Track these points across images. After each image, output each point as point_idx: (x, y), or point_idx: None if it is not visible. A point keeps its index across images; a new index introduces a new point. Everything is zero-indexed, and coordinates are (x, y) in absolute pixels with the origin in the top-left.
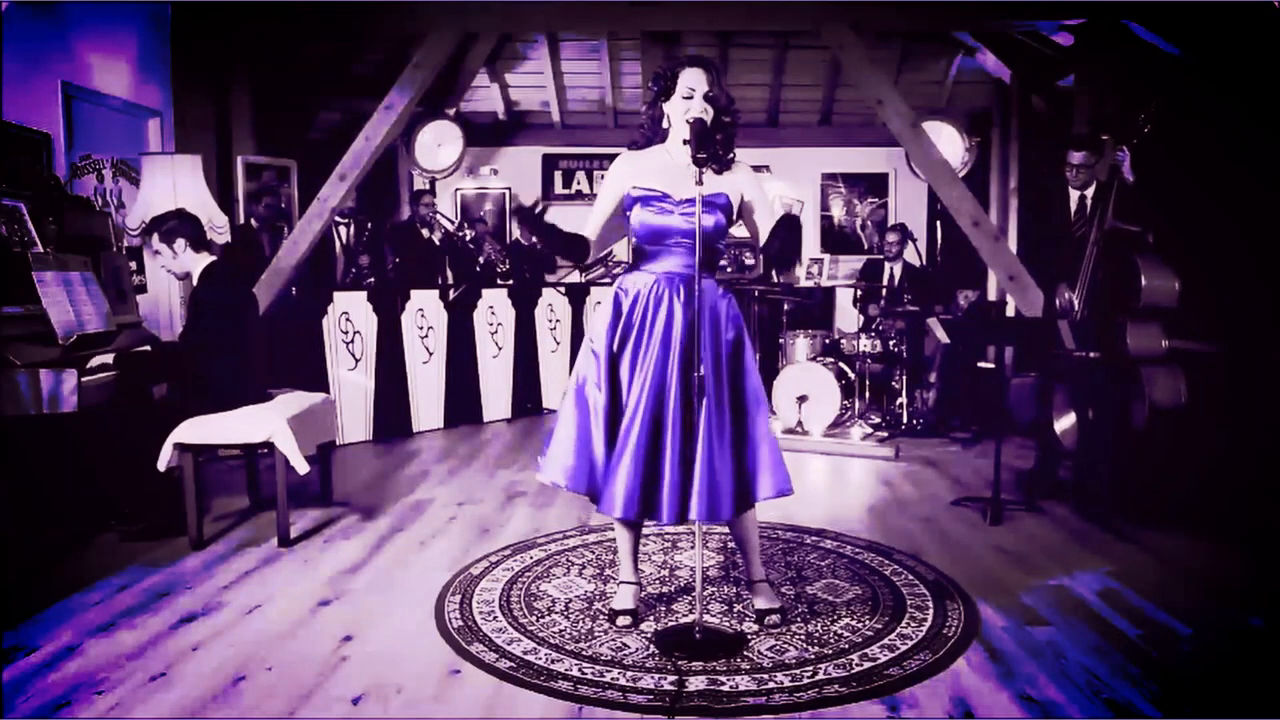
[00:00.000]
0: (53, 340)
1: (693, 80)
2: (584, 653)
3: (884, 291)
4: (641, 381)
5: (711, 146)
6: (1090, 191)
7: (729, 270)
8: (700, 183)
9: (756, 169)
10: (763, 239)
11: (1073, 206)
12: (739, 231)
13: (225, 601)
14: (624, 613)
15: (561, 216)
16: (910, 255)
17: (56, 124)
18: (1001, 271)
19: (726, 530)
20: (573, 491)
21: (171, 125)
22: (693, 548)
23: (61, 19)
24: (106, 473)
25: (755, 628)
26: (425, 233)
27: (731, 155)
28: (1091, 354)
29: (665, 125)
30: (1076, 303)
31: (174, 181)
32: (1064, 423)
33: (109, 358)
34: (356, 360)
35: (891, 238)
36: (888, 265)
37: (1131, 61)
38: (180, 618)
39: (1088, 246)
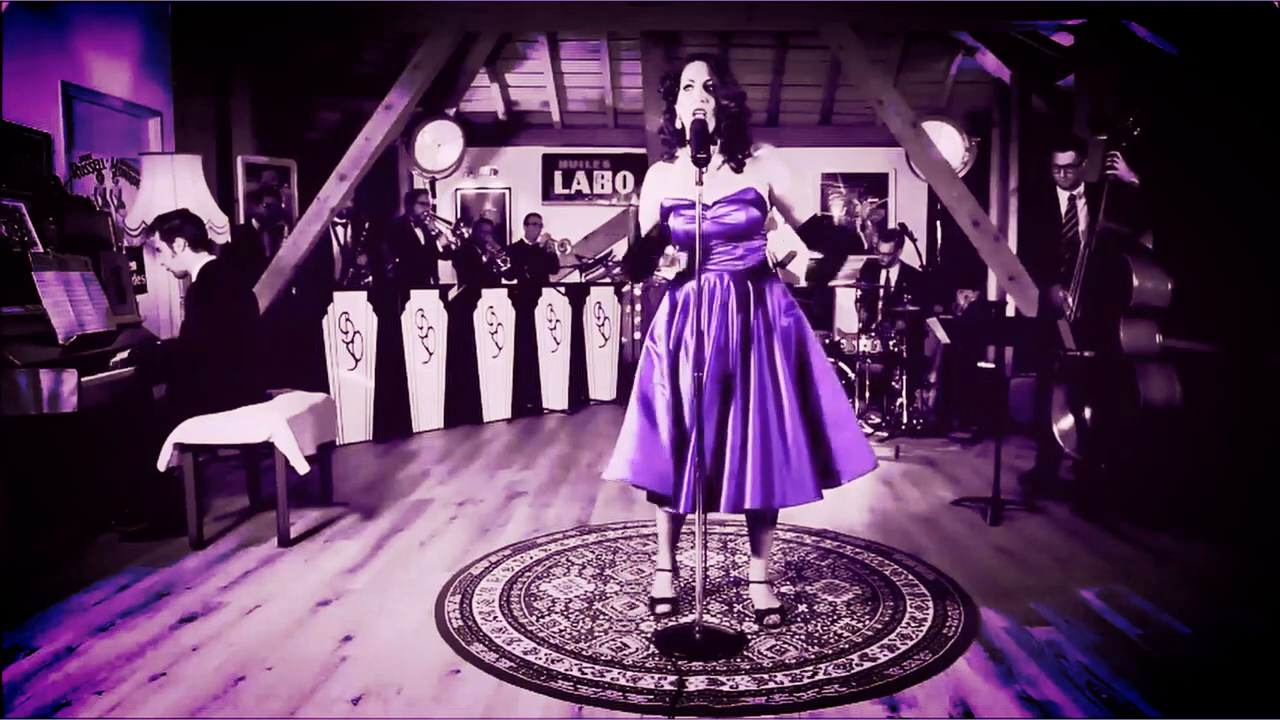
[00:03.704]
0: (53, 340)
1: (692, 73)
2: (584, 653)
3: (880, 293)
4: (701, 378)
5: (713, 143)
6: (1079, 192)
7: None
8: (700, 182)
9: None
10: (798, 224)
11: (1063, 208)
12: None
13: (225, 601)
14: (663, 600)
15: (562, 216)
16: (910, 256)
17: (56, 124)
18: (1001, 271)
19: (726, 530)
20: (636, 486)
21: (171, 125)
22: (693, 548)
23: (61, 19)
24: (106, 473)
25: (755, 628)
26: (419, 233)
27: (746, 151)
28: (1087, 353)
29: (679, 126)
30: (1071, 302)
31: (174, 181)
32: (1063, 424)
33: (124, 354)
34: (356, 360)
35: (885, 247)
36: (884, 268)
37: (1131, 61)
38: (180, 618)
39: (1079, 247)
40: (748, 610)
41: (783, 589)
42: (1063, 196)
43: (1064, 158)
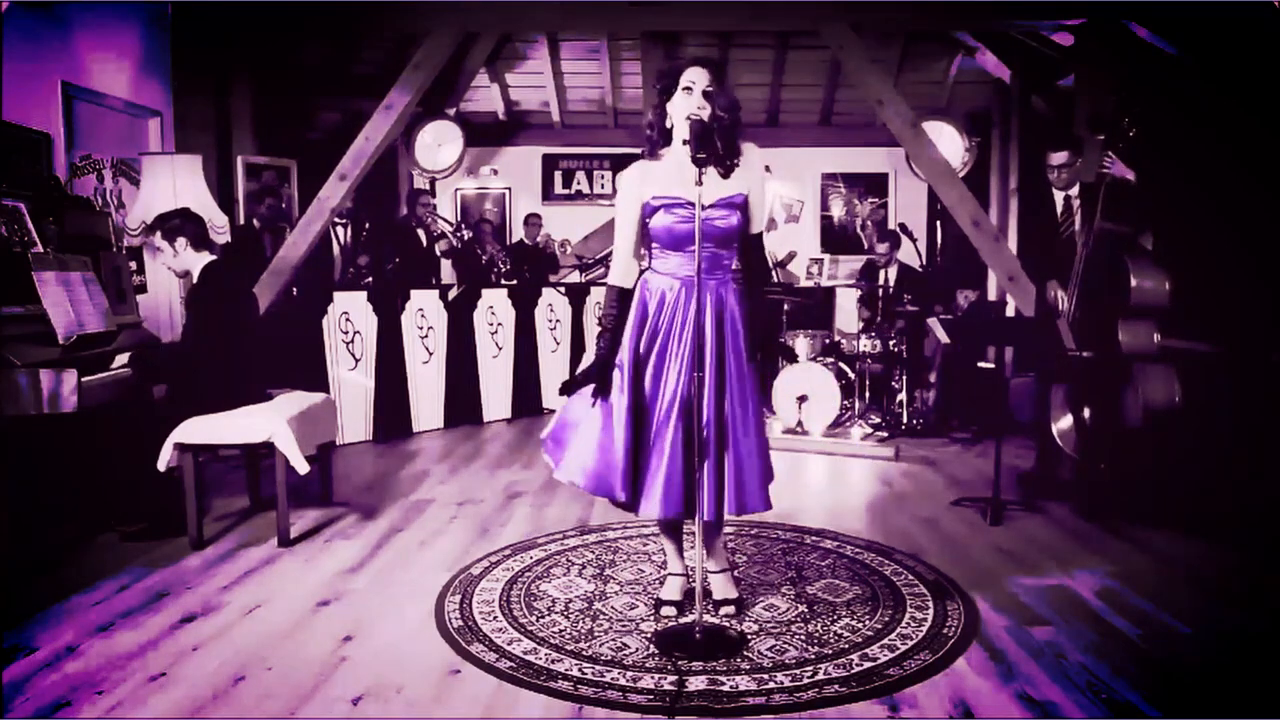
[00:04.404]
0: (53, 340)
1: (693, 76)
2: (584, 653)
3: (879, 293)
4: (674, 385)
5: (711, 146)
6: (1074, 192)
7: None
8: (700, 183)
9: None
10: (755, 227)
11: (1058, 208)
12: None
13: (225, 601)
14: (668, 603)
15: (562, 216)
16: (909, 256)
17: (56, 124)
18: (1001, 271)
19: (725, 531)
20: (590, 493)
21: (171, 125)
22: (693, 548)
23: (61, 19)
24: (106, 473)
25: (755, 627)
26: (421, 233)
27: (735, 159)
28: (1085, 354)
29: (669, 125)
30: (1066, 303)
31: (174, 181)
32: (1062, 424)
33: (124, 356)
34: (356, 360)
35: (881, 248)
36: (881, 268)
37: (1131, 61)
38: (180, 618)
39: (1076, 247)
40: (748, 611)
41: (783, 589)
42: (1058, 197)
43: (1057, 158)
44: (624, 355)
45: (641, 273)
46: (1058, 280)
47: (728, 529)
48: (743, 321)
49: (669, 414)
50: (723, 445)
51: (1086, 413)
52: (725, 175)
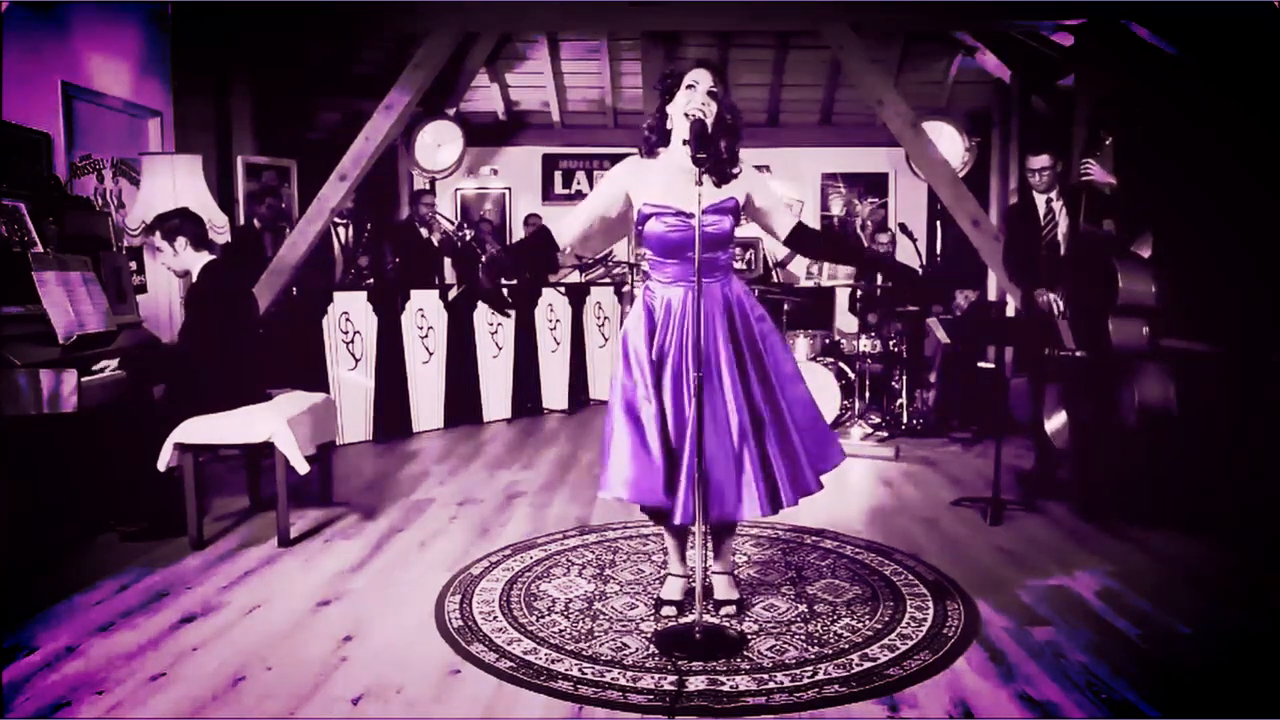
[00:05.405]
0: (53, 340)
1: (697, 76)
2: (584, 653)
3: (877, 292)
4: (687, 391)
5: (712, 148)
6: (1054, 195)
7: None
8: (700, 183)
9: (757, 169)
10: (781, 236)
11: (1041, 211)
12: (744, 231)
13: (225, 601)
14: (668, 603)
15: (562, 217)
16: (909, 257)
17: (56, 124)
18: (1001, 272)
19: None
20: (636, 503)
21: (171, 125)
22: (693, 548)
23: (61, 19)
24: (106, 473)
25: (755, 627)
26: (424, 232)
27: (735, 169)
28: (1078, 353)
29: (669, 127)
30: (1059, 305)
31: (174, 181)
32: (1055, 422)
33: (113, 363)
34: (356, 360)
35: (882, 238)
36: None
37: (1131, 61)
38: (180, 618)
39: (1061, 250)
40: (748, 611)
41: (783, 589)
42: (1040, 200)
43: (1037, 161)
44: (643, 362)
45: (645, 280)
46: (1046, 285)
47: None
48: (756, 315)
49: (688, 422)
50: (744, 442)
51: (1080, 411)
52: (719, 184)
